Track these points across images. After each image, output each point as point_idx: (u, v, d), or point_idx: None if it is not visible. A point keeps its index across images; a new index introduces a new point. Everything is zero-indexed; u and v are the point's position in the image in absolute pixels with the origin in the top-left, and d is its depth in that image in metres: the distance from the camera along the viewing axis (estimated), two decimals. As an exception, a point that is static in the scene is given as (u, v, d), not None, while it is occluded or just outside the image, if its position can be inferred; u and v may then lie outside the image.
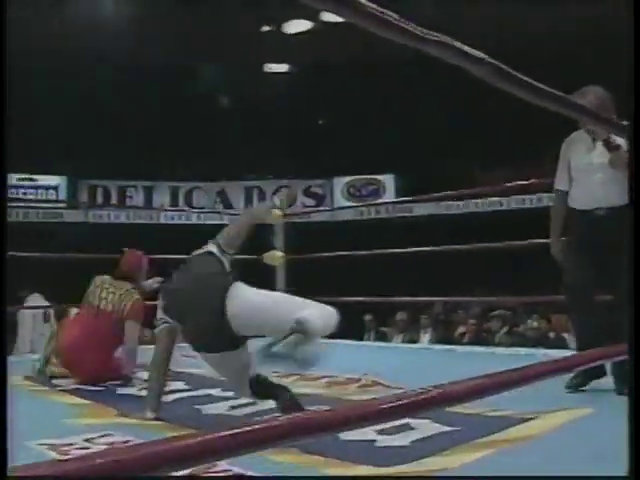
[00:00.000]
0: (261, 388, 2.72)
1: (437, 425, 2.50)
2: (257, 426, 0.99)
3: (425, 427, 2.48)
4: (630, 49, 1.29)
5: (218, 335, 2.64)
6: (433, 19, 2.77)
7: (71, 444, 2.28)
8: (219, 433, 0.94)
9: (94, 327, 3.85)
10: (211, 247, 2.93)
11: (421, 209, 14.03)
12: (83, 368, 3.75)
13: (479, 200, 13.27)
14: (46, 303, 8.78)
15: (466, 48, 1.17)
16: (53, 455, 2.11)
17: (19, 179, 14.56)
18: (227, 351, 2.68)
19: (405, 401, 1.15)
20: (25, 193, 14.51)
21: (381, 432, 2.38)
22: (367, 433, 2.33)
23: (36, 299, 8.88)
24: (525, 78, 1.28)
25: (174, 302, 2.80)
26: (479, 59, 1.19)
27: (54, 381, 3.71)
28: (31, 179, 14.69)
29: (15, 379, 3.80)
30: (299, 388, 3.44)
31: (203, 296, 2.69)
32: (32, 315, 9.00)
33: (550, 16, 11.58)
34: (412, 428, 2.47)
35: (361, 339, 9.02)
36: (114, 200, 14.95)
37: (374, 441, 2.32)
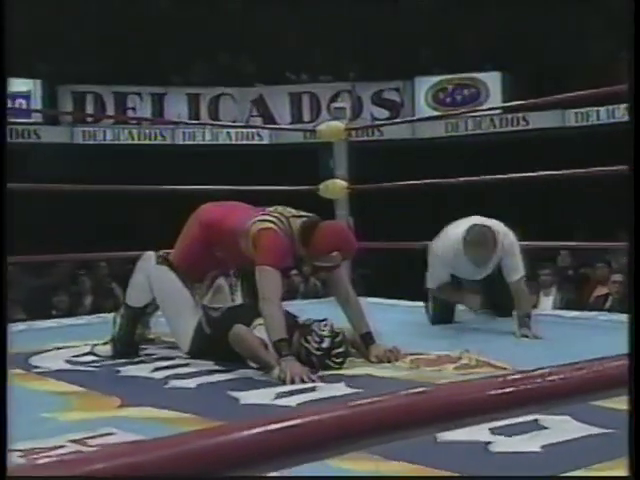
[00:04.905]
0: None
1: (579, 424, 2.41)
2: (305, 419, 0.94)
3: (563, 426, 2.39)
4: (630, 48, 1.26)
5: None
6: None
7: (53, 447, 2.28)
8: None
9: None
10: None
11: (540, 120, 13.78)
12: None
13: (621, 105, 12.79)
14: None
15: None
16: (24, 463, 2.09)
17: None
18: None
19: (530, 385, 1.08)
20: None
21: (497, 431, 2.31)
22: (477, 432, 2.24)
23: None
24: None
25: None
26: None
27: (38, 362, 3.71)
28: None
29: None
30: (376, 370, 3.42)
31: None
32: None
33: None
34: (543, 427, 2.39)
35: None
36: (110, 112, 14.97)
37: (488, 443, 2.27)
